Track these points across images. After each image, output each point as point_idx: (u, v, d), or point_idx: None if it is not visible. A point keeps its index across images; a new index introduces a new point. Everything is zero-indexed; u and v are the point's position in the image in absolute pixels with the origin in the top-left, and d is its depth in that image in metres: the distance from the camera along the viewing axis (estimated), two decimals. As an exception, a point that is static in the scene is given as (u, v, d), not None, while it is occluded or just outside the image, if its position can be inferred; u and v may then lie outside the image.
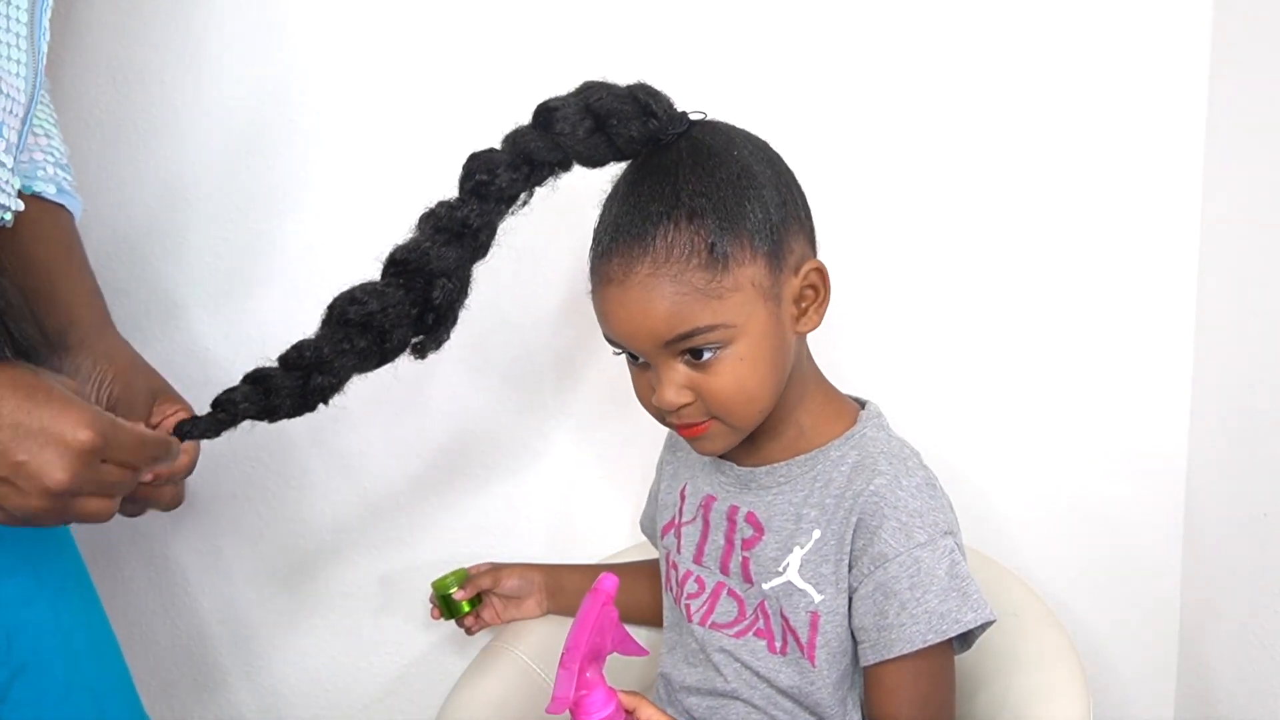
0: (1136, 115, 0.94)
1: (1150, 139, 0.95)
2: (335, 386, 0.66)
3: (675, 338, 0.66)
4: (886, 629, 0.68)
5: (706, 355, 0.66)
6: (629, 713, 0.64)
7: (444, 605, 0.92)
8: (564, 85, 0.68)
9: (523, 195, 0.67)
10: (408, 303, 0.65)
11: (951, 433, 0.99)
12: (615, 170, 0.71)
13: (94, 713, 0.72)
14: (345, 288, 0.66)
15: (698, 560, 0.79)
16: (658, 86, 0.68)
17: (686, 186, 0.65)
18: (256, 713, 1.13)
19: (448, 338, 0.69)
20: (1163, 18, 0.92)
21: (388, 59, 0.98)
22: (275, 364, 0.66)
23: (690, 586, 0.79)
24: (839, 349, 0.82)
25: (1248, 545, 0.92)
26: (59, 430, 0.55)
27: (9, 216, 0.64)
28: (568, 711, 0.62)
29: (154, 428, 0.71)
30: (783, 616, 0.72)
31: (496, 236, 0.68)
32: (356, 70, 0.98)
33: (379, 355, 0.66)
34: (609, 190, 0.70)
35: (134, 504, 0.67)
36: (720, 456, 0.78)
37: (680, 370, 0.67)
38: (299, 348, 0.65)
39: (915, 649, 0.67)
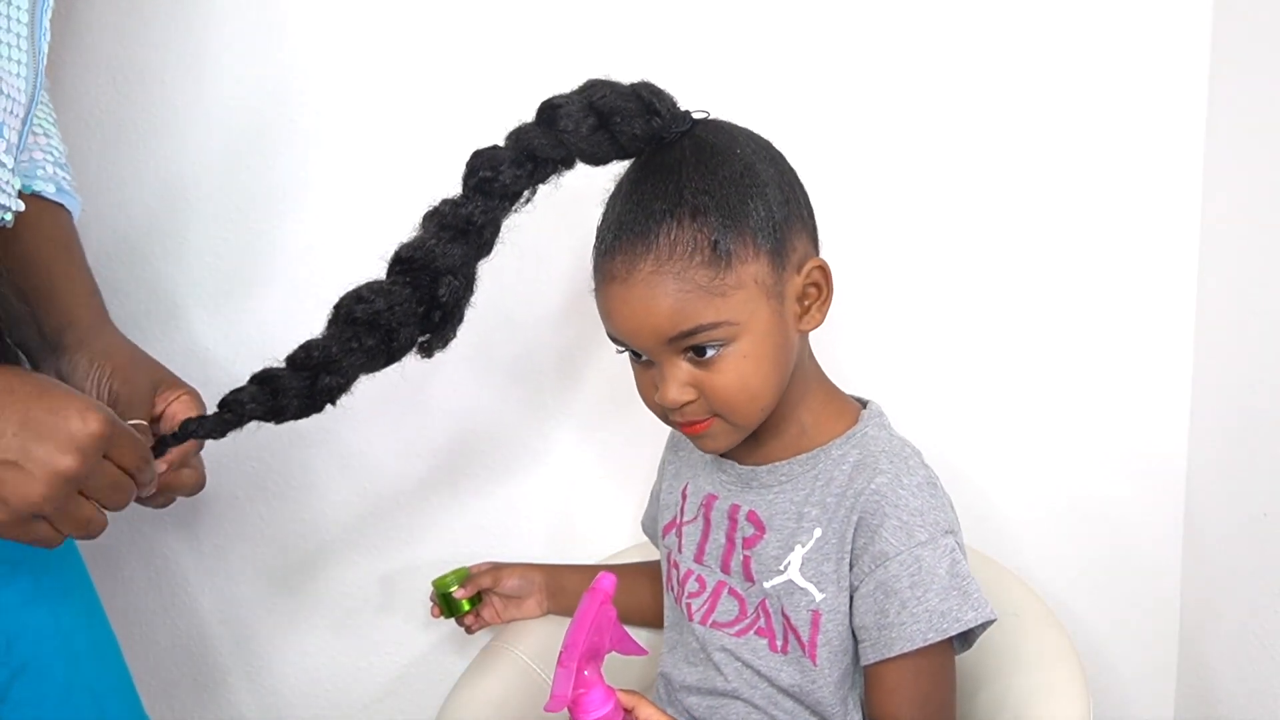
0: (1136, 115, 0.94)
1: (1150, 139, 0.95)
2: (343, 387, 0.66)
3: (678, 335, 0.66)
4: (887, 627, 0.68)
5: (710, 353, 0.66)
6: (627, 711, 0.64)
7: (444, 604, 0.92)
8: (567, 83, 0.68)
9: (526, 193, 0.68)
10: (414, 300, 0.65)
11: (952, 432, 0.99)
12: (618, 169, 0.71)
13: (94, 713, 0.72)
14: (348, 287, 0.66)
15: (699, 559, 0.79)
16: (661, 85, 0.68)
17: (690, 184, 0.65)
18: (257, 712, 1.13)
19: (454, 336, 0.69)
20: (1163, 18, 0.92)
21: (389, 58, 0.98)
22: (282, 364, 0.66)
23: (691, 585, 0.79)
24: (840, 348, 0.82)
25: (1248, 545, 0.92)
26: (67, 416, 0.55)
27: (9, 217, 0.64)
28: (566, 710, 0.62)
29: (158, 418, 0.72)
30: (784, 615, 0.72)
31: (500, 234, 0.68)
32: (357, 69, 0.98)
33: (386, 354, 0.66)
34: (612, 189, 0.70)
35: (161, 494, 0.67)
36: (722, 455, 0.78)
37: (683, 368, 0.68)
38: (307, 348, 0.65)
39: (916, 647, 0.67)
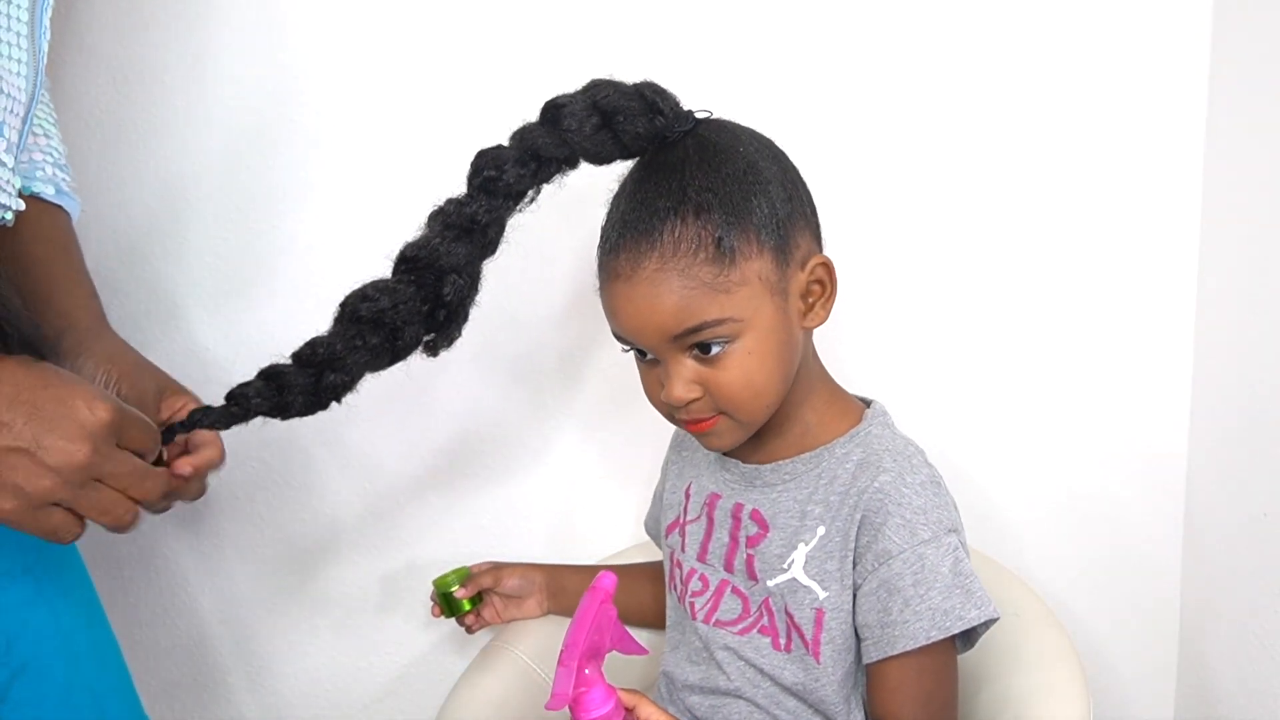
0: (1136, 115, 0.95)
1: (1150, 139, 0.95)
2: (348, 385, 0.66)
3: (683, 332, 0.66)
4: (890, 625, 0.68)
5: (714, 350, 0.67)
6: (628, 710, 0.64)
7: (445, 603, 0.92)
8: (571, 83, 0.68)
9: (530, 192, 0.68)
10: (419, 299, 0.65)
11: (952, 433, 0.99)
12: (622, 169, 0.71)
13: (94, 713, 0.71)
14: (350, 287, 0.66)
15: (702, 558, 0.79)
16: (664, 85, 0.69)
17: (693, 182, 0.66)
18: (257, 712, 1.13)
19: (459, 335, 0.69)
20: (1163, 18, 0.92)
21: (391, 58, 0.98)
22: (289, 361, 0.66)
23: (694, 584, 0.79)
24: (844, 348, 0.82)
25: (1248, 545, 0.92)
26: (76, 405, 0.55)
27: (9, 216, 0.64)
28: (567, 709, 0.62)
29: (163, 424, 0.71)
30: (787, 613, 0.73)
31: (505, 234, 0.68)
32: (359, 69, 0.98)
33: (391, 352, 0.66)
34: (616, 189, 0.71)
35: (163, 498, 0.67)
36: (726, 454, 0.78)
37: (688, 365, 0.68)
38: (312, 344, 0.65)
39: (919, 645, 0.67)
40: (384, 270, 0.67)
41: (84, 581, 0.76)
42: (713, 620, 0.77)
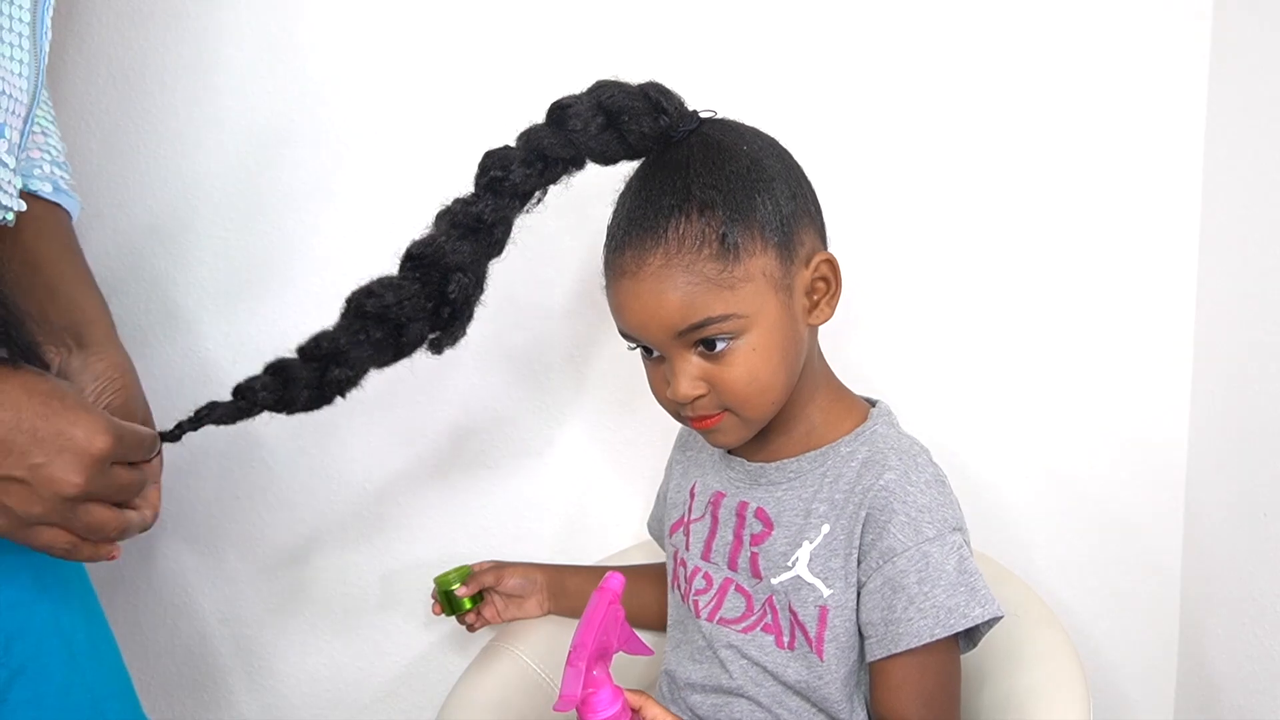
0: (1137, 115, 0.95)
1: (1150, 139, 0.95)
2: (352, 380, 0.67)
3: (688, 328, 0.66)
4: (894, 623, 0.68)
5: (720, 346, 0.67)
6: (635, 711, 0.64)
7: (445, 601, 0.92)
8: (576, 85, 0.69)
9: (537, 193, 0.69)
10: (423, 296, 0.66)
11: (953, 433, 0.99)
12: (626, 170, 0.71)
13: (93, 714, 0.71)
14: (352, 287, 0.66)
15: (705, 556, 0.79)
16: (668, 86, 0.69)
17: (698, 180, 0.66)
18: (257, 713, 1.13)
19: (464, 334, 0.70)
20: (1163, 18, 0.93)
21: (397, 60, 0.98)
22: (294, 355, 0.66)
23: (698, 583, 0.79)
24: (845, 346, 0.82)
25: (1248, 545, 0.92)
26: (75, 435, 0.56)
27: (11, 216, 0.64)
28: (574, 710, 0.62)
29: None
30: (791, 611, 0.73)
31: (512, 235, 0.69)
32: (364, 71, 0.98)
33: (395, 348, 0.67)
34: (621, 189, 0.71)
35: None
36: (730, 453, 0.79)
37: (694, 362, 0.68)
38: (317, 339, 0.66)
39: (923, 643, 0.67)
40: (390, 269, 0.67)
41: (83, 582, 0.75)
42: (716, 618, 0.77)
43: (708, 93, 0.72)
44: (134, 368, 0.74)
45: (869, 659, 0.71)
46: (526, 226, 0.70)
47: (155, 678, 1.12)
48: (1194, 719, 1.03)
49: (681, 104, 0.69)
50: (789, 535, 0.73)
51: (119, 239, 1.02)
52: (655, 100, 0.67)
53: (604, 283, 0.71)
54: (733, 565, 0.77)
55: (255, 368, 0.67)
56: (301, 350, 0.66)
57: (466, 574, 0.92)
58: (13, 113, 0.63)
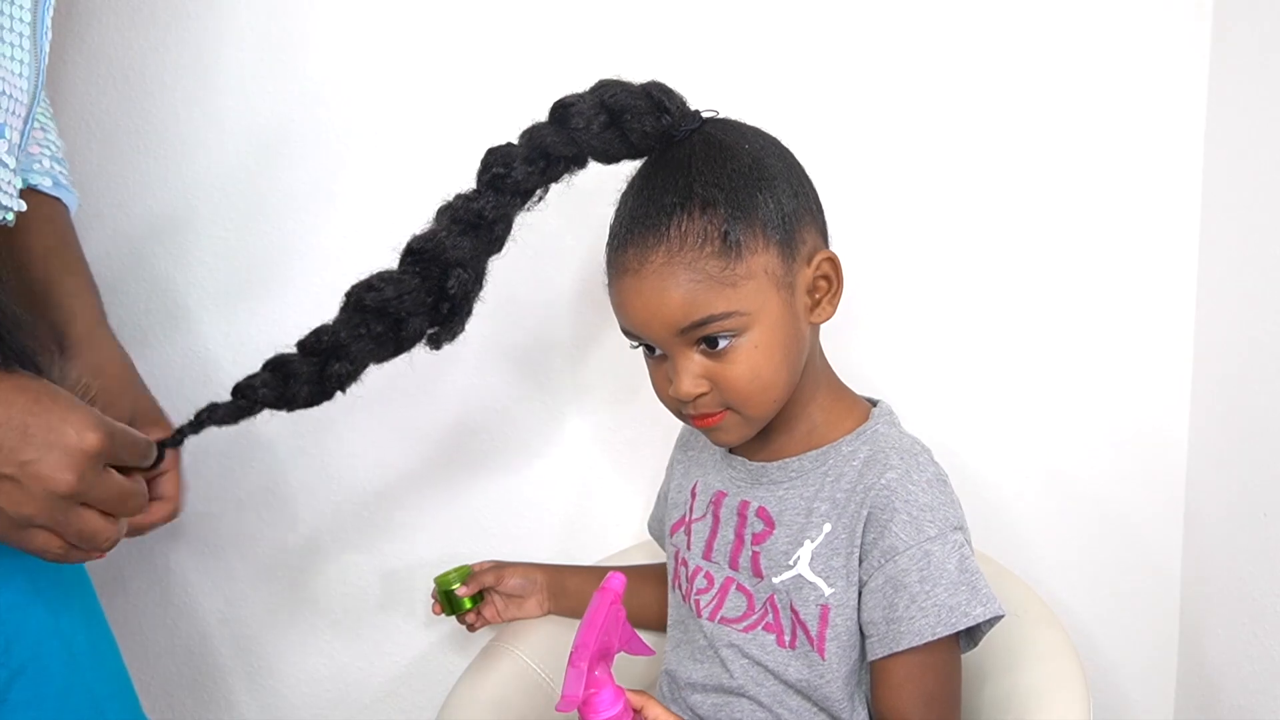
0: (1137, 115, 0.95)
1: (1150, 139, 0.95)
2: (352, 374, 0.67)
3: (690, 325, 0.67)
4: (896, 622, 0.68)
5: (722, 344, 0.67)
6: (636, 711, 0.64)
7: (445, 601, 0.92)
8: (579, 84, 0.69)
9: (539, 191, 0.69)
10: (423, 291, 0.66)
11: (954, 432, 0.99)
12: (629, 170, 0.72)
13: (92, 715, 0.71)
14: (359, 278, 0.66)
15: (707, 556, 0.79)
16: (670, 85, 0.69)
17: (700, 178, 0.67)
18: (257, 713, 1.13)
19: (463, 330, 0.70)
20: (1163, 18, 0.93)
21: (399, 59, 0.98)
22: (294, 350, 0.66)
23: (700, 582, 0.79)
24: (845, 345, 0.82)
25: (1248, 545, 0.92)
26: (65, 432, 0.56)
27: (10, 216, 0.64)
28: (576, 710, 0.62)
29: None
30: (792, 610, 0.73)
31: (513, 233, 0.69)
32: (365, 69, 0.98)
33: (394, 343, 0.67)
34: (623, 188, 0.71)
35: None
36: (732, 452, 0.79)
37: (696, 360, 0.68)
38: (317, 332, 0.66)
39: (924, 642, 0.67)
40: (393, 264, 0.67)
41: (83, 582, 0.75)
42: (718, 617, 0.77)
43: (709, 92, 0.72)
44: (121, 364, 0.74)
45: (870, 658, 0.71)
46: (528, 225, 0.70)
47: (155, 678, 1.12)
48: (1194, 719, 1.03)
49: (683, 103, 0.69)
50: (790, 534, 0.74)
51: (119, 239, 1.02)
52: (657, 99, 0.68)
53: (606, 281, 0.71)
54: (734, 564, 0.77)
55: (255, 367, 0.67)
56: (301, 344, 0.66)
57: (466, 574, 0.92)
58: (13, 113, 0.63)
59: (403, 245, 0.67)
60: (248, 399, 0.66)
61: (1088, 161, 0.96)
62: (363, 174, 1.00)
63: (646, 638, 0.84)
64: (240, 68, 0.98)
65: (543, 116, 0.68)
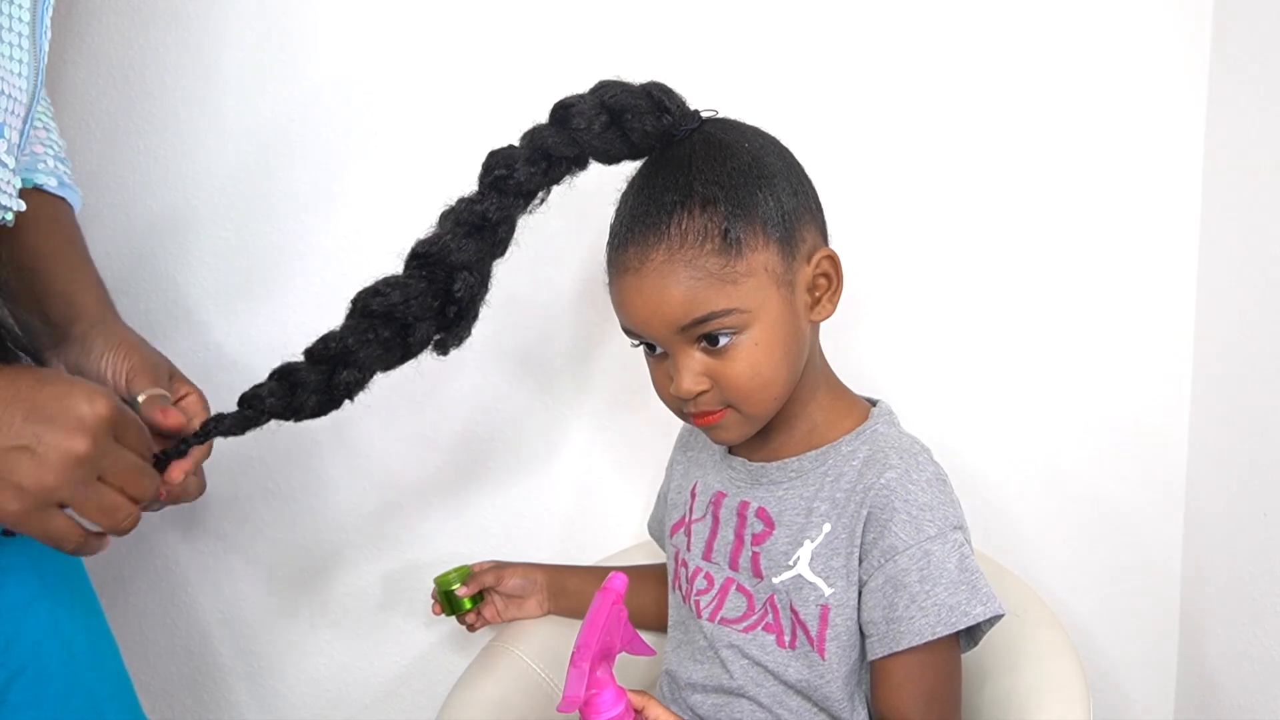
0: (1137, 115, 0.95)
1: (1150, 139, 0.95)
2: (360, 382, 0.67)
3: (691, 323, 0.67)
4: (896, 621, 0.68)
5: (722, 341, 0.67)
6: (637, 711, 0.64)
7: (445, 601, 0.92)
8: (580, 85, 0.69)
9: (541, 193, 0.69)
10: (429, 295, 0.66)
11: (954, 432, 0.99)
12: (629, 171, 0.72)
13: (92, 715, 0.71)
14: (358, 286, 0.66)
15: (707, 556, 0.79)
16: (670, 85, 0.69)
17: (700, 177, 0.67)
18: (257, 713, 1.13)
19: (469, 334, 0.70)
20: (1163, 18, 0.93)
21: (401, 60, 0.98)
22: (301, 358, 0.66)
23: (700, 583, 0.79)
24: (845, 345, 0.83)
25: (1248, 545, 0.92)
26: (74, 400, 0.56)
27: (10, 216, 0.64)
28: (578, 710, 0.62)
29: (176, 403, 0.71)
30: (792, 610, 0.73)
31: (516, 235, 0.69)
32: (367, 70, 0.98)
33: (402, 348, 0.67)
34: (624, 188, 0.71)
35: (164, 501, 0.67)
36: (731, 452, 0.79)
37: (697, 358, 0.68)
38: (325, 340, 0.66)
39: (924, 641, 0.67)
40: (392, 269, 0.67)
41: (83, 582, 0.75)
42: (718, 618, 0.77)
43: (709, 92, 0.72)
44: (140, 340, 0.74)
45: (870, 658, 0.71)
46: (529, 226, 0.70)
47: (155, 678, 1.12)
48: (1194, 719, 1.03)
49: (683, 103, 0.70)
50: (790, 534, 0.74)
51: (120, 239, 1.02)
52: (658, 99, 0.68)
53: (607, 281, 0.71)
54: (734, 565, 0.77)
55: (257, 367, 0.67)
56: (309, 352, 0.66)
57: (466, 574, 0.92)
58: (12, 113, 0.63)
59: (406, 250, 0.67)
60: (255, 409, 0.66)
61: (1088, 161, 0.96)
62: (363, 174, 1.00)
63: (647, 638, 0.84)
64: (240, 68, 0.98)
65: (543, 118, 0.69)
